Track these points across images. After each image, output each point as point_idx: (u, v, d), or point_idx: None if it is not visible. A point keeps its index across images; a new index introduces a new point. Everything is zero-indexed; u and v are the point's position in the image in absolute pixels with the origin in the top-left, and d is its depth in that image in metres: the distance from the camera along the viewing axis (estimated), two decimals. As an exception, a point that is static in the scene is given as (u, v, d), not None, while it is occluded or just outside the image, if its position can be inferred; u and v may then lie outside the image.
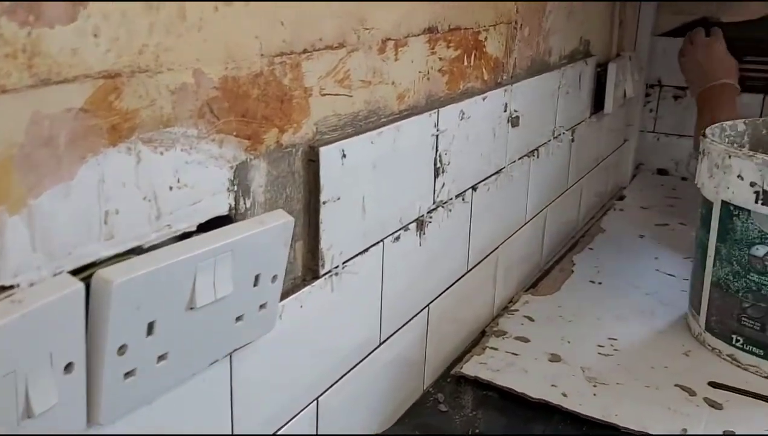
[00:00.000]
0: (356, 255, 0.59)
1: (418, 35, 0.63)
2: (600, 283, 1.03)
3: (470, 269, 0.82)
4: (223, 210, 0.45)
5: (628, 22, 1.35)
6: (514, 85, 0.84)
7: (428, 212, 0.68)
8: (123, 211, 0.38)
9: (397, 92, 0.62)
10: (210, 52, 0.41)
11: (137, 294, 0.37)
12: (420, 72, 0.65)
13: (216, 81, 0.42)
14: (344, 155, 0.54)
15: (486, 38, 0.77)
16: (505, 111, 0.83)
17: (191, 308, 0.40)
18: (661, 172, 1.57)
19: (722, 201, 0.79)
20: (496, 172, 0.84)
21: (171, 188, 0.41)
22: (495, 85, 0.80)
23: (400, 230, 0.64)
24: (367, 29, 0.55)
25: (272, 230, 0.44)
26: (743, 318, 0.79)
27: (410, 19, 0.61)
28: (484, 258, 0.86)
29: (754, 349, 0.79)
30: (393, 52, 0.60)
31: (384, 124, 0.59)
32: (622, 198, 1.42)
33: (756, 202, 0.75)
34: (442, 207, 0.72)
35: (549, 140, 1.00)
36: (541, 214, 1.04)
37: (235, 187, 0.46)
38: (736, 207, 0.78)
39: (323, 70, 0.51)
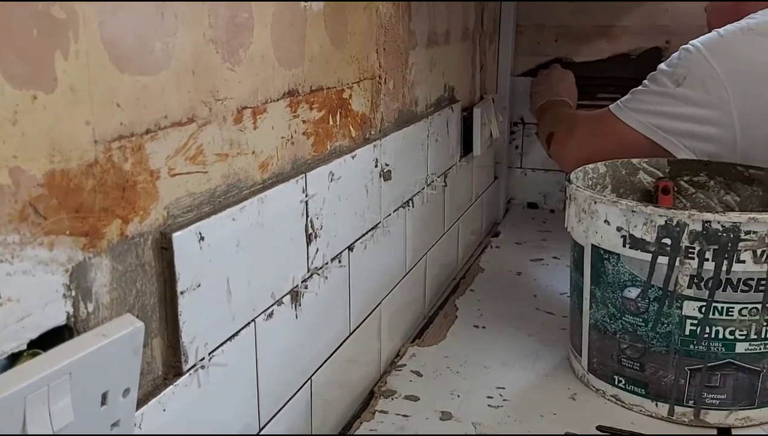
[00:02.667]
0: (224, 342, 0.54)
1: (278, 100, 0.59)
2: (484, 327, 1.02)
3: (353, 331, 0.79)
4: (59, 320, 0.39)
5: (489, 65, 1.39)
6: (383, 139, 0.82)
7: (303, 282, 0.64)
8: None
9: (259, 161, 0.57)
10: (30, 147, 0.36)
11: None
12: (283, 137, 0.61)
13: (40, 178, 0.36)
14: (202, 238, 0.49)
15: (351, 96, 0.74)
16: (377, 166, 0.80)
17: (22, 449, 0.34)
18: (531, 205, 1.62)
19: (592, 245, 0.81)
20: (372, 228, 0.81)
21: (-11, 307, 0.34)
22: (364, 142, 0.78)
23: (273, 305, 0.60)
24: (219, 100, 0.51)
25: (118, 342, 0.39)
26: (623, 359, 0.80)
27: (268, 85, 0.58)
28: (367, 316, 0.83)
29: (636, 389, 0.80)
30: (251, 120, 0.55)
31: (246, 197, 0.55)
32: (497, 234, 1.45)
33: (624, 246, 0.77)
34: (317, 274, 0.68)
35: (423, 188, 0.99)
36: (421, 261, 1.03)
37: (73, 292, 0.40)
38: (605, 251, 0.79)
39: (171, 148, 0.46)
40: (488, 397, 0.83)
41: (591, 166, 0.94)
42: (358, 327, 0.80)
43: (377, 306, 0.86)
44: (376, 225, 0.82)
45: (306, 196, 0.64)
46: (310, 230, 0.65)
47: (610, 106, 1.04)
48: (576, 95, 1.38)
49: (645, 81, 1.02)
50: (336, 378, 0.75)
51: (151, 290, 0.46)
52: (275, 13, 0.58)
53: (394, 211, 0.87)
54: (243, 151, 0.55)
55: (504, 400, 0.83)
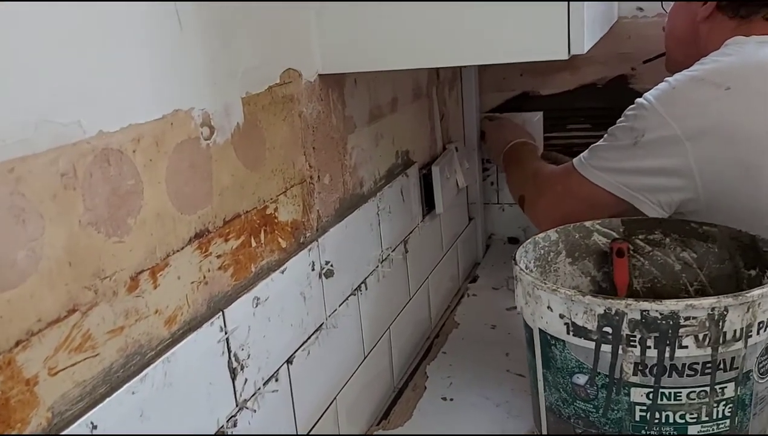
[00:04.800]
0: (140, 510, 0.53)
1: (183, 248, 0.59)
2: (452, 399, 1.01)
3: (303, 438, 0.78)
4: None
5: (451, 111, 1.37)
6: (322, 237, 0.82)
7: (229, 419, 0.64)
8: None
9: (165, 317, 0.57)
10: None
11: None
12: (193, 282, 0.60)
13: None
14: (94, 427, 0.48)
15: (276, 208, 0.73)
16: (313, 269, 0.80)
17: None
18: (512, 240, 1.60)
19: (539, 329, 0.79)
20: (316, 331, 0.81)
21: None
22: (297, 248, 0.77)
23: (195, 456, 0.59)
24: (107, 278, 0.51)
25: None
26: (579, 443, 0.79)
27: (168, 239, 0.57)
28: (320, 417, 0.82)
29: (594, 472, 0.79)
30: (150, 282, 0.55)
31: (151, 362, 0.55)
32: (475, 280, 1.43)
33: (568, 333, 0.76)
34: (247, 407, 0.67)
35: (377, 267, 0.98)
36: (384, 338, 1.02)
37: None
38: (552, 336, 0.78)
39: (50, 348, 0.46)
40: (449, 488, 0.83)
41: (541, 235, 0.93)
42: (310, 431, 0.79)
43: (331, 402, 0.85)
44: (320, 326, 0.82)
45: (225, 333, 0.63)
46: (235, 364, 0.65)
47: (574, 162, 1.03)
48: (523, 129, 1.38)
49: (605, 136, 1.00)
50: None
51: (44, 490, 0.46)
52: (170, 166, 0.57)
53: (340, 305, 0.86)
54: (143, 315, 0.54)
55: (464, 489, 0.82)
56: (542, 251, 0.92)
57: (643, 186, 0.96)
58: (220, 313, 0.63)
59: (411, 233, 1.12)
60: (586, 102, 1.46)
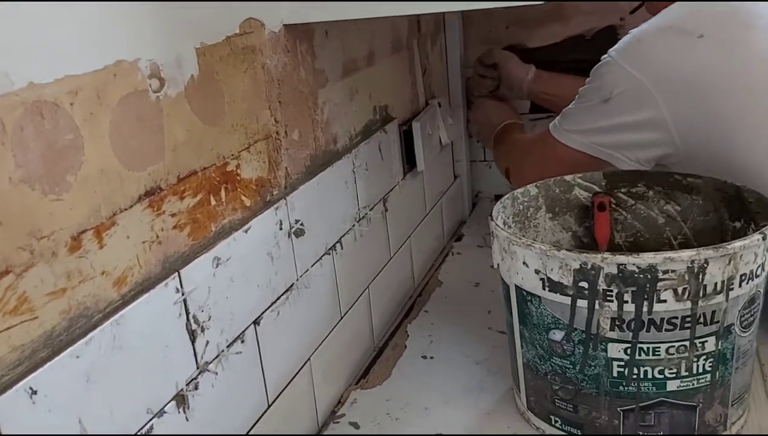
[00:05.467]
0: (93, 477, 0.52)
1: (131, 206, 0.56)
2: (432, 357, 1.00)
3: (274, 400, 0.77)
4: None
5: (434, 66, 1.33)
6: (290, 195, 0.79)
7: (189, 383, 0.62)
8: None
9: (114, 278, 0.55)
10: None
11: None
12: (144, 242, 0.58)
13: None
14: (34, 392, 0.46)
15: (238, 165, 0.71)
16: (281, 228, 0.77)
17: None
18: (499, 198, 1.56)
19: (515, 285, 0.77)
20: (286, 291, 0.78)
21: None
22: (263, 206, 0.75)
23: (151, 419, 0.58)
24: (44, 237, 0.48)
25: None
26: (556, 400, 0.78)
27: (114, 197, 0.54)
28: (294, 377, 0.81)
29: (572, 429, 0.77)
30: (95, 241, 0.52)
31: (98, 324, 0.52)
32: (460, 238, 1.41)
33: (544, 289, 0.73)
34: (208, 369, 0.65)
35: (353, 226, 0.95)
36: (362, 297, 1.00)
37: None
38: (528, 292, 0.75)
39: (-20, 312, 0.44)
40: (425, 446, 0.81)
41: (521, 190, 0.90)
42: (281, 392, 0.78)
43: (305, 363, 0.83)
44: (291, 286, 0.79)
45: (182, 294, 0.61)
46: (194, 326, 0.63)
47: (549, 127, 1.02)
48: (506, 107, 1.36)
49: (576, 98, 0.98)
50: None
51: (-19, 458, 0.44)
52: (114, 120, 0.54)
53: (313, 265, 0.84)
54: (88, 276, 0.52)
55: (438, 448, 0.81)
56: (521, 207, 0.89)
57: (618, 143, 0.94)
58: (176, 273, 0.60)
59: (391, 191, 1.09)
60: (575, 54, 1.42)
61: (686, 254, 0.67)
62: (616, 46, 0.93)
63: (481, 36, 1.46)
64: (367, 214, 0.99)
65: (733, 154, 0.86)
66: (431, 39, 1.32)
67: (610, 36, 1.38)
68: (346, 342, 0.95)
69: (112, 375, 0.53)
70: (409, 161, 1.17)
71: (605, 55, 0.93)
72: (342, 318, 0.93)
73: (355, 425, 0.86)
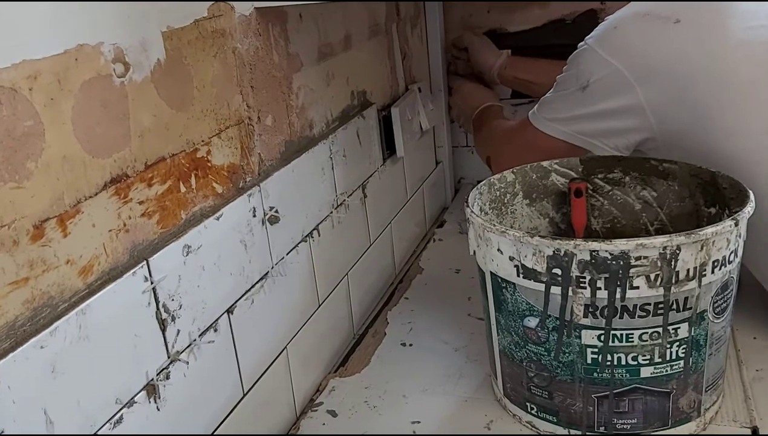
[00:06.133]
0: (59, 467, 0.51)
1: (96, 194, 0.55)
2: (411, 345, 1.00)
3: (250, 389, 0.76)
4: None
5: (415, 50, 1.32)
6: (265, 181, 0.78)
7: (159, 373, 0.61)
8: None
9: (79, 267, 0.54)
10: None
11: None
12: (111, 230, 0.57)
13: None
14: (-5, 384, 0.46)
15: (209, 151, 0.70)
16: (255, 215, 0.76)
17: None
18: (481, 184, 1.57)
19: (491, 272, 0.77)
20: (261, 279, 0.78)
21: None
22: (236, 193, 0.74)
23: (120, 410, 0.57)
24: (4, 226, 0.47)
25: None
26: (532, 387, 0.78)
27: (78, 184, 0.53)
28: (270, 365, 0.80)
29: (548, 416, 0.78)
30: (58, 230, 0.52)
31: (64, 314, 0.51)
32: (442, 224, 1.41)
33: (518, 275, 0.73)
34: (180, 358, 0.64)
35: (330, 213, 0.95)
36: (341, 285, 0.99)
37: None
38: (503, 279, 0.75)
39: (-64, 303, 0.43)
40: None
41: (497, 176, 0.89)
42: (257, 381, 0.77)
43: (282, 351, 0.83)
44: (266, 274, 0.79)
45: (151, 283, 0.60)
46: (164, 315, 0.62)
47: (528, 115, 1.01)
48: (487, 91, 1.36)
49: (554, 86, 0.97)
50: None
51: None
52: (77, 105, 0.53)
53: (289, 253, 0.83)
54: (52, 265, 0.51)
55: None
56: (498, 193, 0.89)
57: (597, 131, 0.93)
58: (145, 262, 0.60)
59: (370, 177, 1.09)
60: (555, 38, 1.41)
61: (658, 240, 0.67)
62: (592, 33, 0.92)
63: (462, 20, 1.45)
64: (345, 200, 0.99)
65: (710, 140, 0.86)
66: (411, 23, 1.31)
67: (591, 20, 1.38)
68: (325, 330, 0.94)
69: (79, 365, 0.52)
70: (389, 147, 1.17)
71: (582, 43, 0.93)
72: (320, 306, 0.93)
73: (333, 414, 0.86)
